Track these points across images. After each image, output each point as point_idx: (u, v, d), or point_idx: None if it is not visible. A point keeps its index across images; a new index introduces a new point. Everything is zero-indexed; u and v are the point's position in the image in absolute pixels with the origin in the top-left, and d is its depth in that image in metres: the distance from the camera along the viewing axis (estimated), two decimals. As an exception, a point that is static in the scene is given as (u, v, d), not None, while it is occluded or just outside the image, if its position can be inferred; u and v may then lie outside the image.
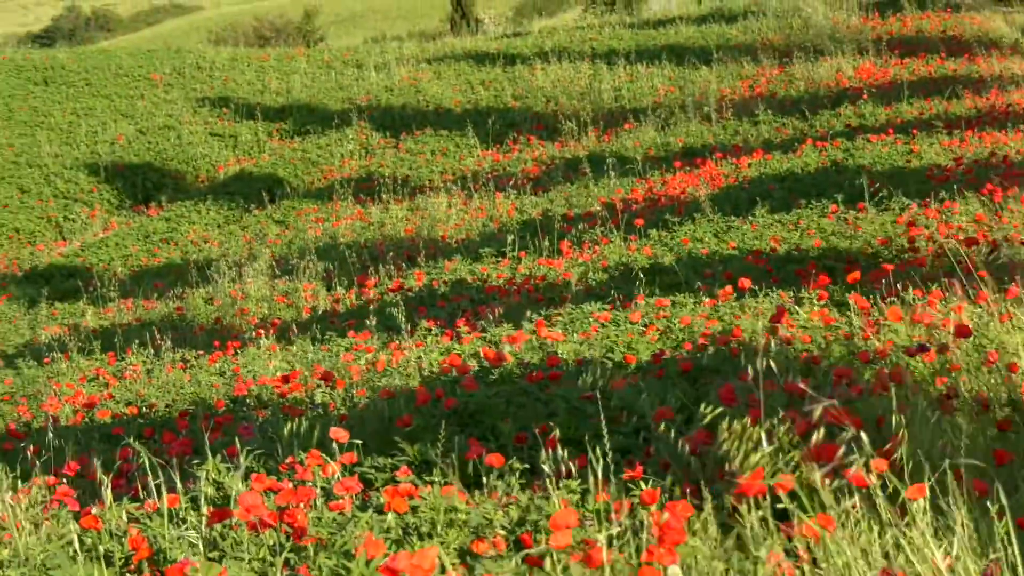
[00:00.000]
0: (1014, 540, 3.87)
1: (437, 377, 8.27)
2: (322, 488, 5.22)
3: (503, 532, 4.75)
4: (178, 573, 4.30)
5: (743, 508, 4.13)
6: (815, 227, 12.40)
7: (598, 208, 16.39)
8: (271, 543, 4.77)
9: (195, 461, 5.99)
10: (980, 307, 7.29)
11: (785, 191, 14.75)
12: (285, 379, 9.06)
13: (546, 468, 4.90)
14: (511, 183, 20.53)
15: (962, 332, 6.32)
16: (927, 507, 3.97)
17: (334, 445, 5.56)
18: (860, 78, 23.66)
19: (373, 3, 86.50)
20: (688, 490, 4.59)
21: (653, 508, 4.24)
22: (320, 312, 14.42)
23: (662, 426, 5.33)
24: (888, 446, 4.31)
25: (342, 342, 11.37)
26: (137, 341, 13.31)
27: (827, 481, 4.07)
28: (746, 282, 9.65)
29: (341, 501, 5.03)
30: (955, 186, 12.57)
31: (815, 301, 8.79)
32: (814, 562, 4.01)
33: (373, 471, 5.63)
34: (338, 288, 15.25)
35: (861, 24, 28.98)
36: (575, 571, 4.01)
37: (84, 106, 31.48)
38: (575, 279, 12.37)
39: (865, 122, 19.42)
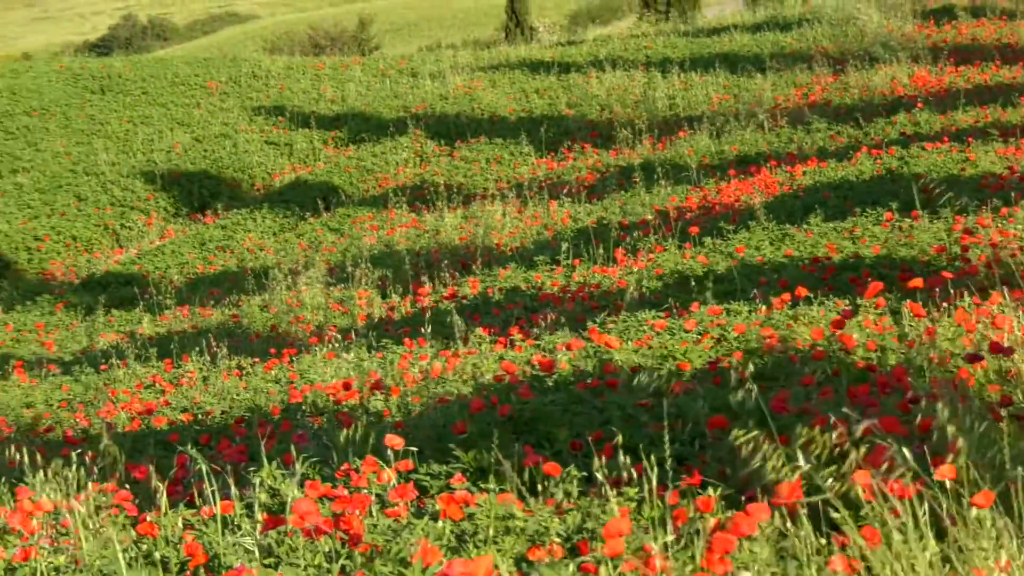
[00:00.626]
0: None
1: (491, 384, 8.26)
2: (377, 495, 5.23)
3: (558, 539, 4.75)
4: (234, 579, 4.33)
5: (799, 515, 4.12)
6: (869, 235, 12.32)
7: (652, 216, 16.37)
8: (326, 550, 4.79)
9: (250, 468, 6.02)
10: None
11: (840, 199, 14.68)
12: (346, 386, 9.08)
13: (599, 476, 4.88)
14: (565, 191, 20.55)
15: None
16: (991, 516, 3.96)
17: (389, 452, 5.54)
18: (915, 86, 23.51)
19: (428, 12, 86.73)
20: (744, 498, 4.58)
21: (709, 516, 4.24)
22: (375, 319, 14.45)
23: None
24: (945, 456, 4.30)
25: (397, 349, 11.39)
26: (196, 349, 13.38)
27: (878, 489, 4.06)
28: (802, 290, 9.60)
29: (396, 508, 5.04)
30: (1011, 194, 12.47)
31: (871, 309, 8.73)
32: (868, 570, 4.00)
33: (428, 478, 5.64)
34: (393, 296, 15.28)
35: (916, 32, 28.82)
36: (629, 578, 4.01)
37: (140, 114, 31.74)
38: (630, 287, 12.34)
39: (920, 130, 19.29)
